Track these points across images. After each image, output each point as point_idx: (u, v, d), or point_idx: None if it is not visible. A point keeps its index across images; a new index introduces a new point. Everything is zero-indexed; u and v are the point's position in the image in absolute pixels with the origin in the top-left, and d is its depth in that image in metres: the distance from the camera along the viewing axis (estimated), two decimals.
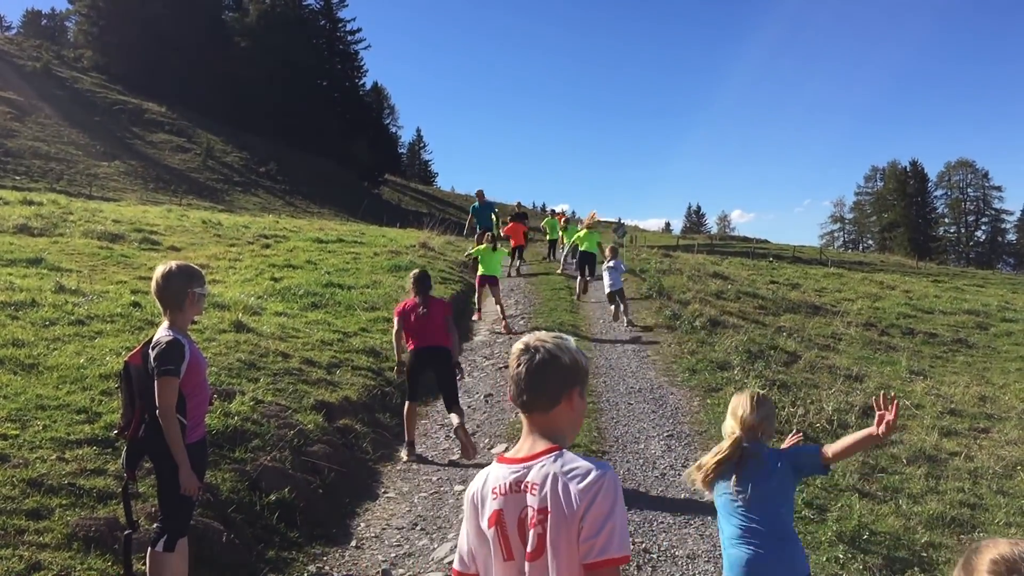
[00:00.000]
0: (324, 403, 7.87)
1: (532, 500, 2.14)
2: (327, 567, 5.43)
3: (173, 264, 4.22)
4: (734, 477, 3.63)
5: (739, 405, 3.79)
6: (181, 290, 4.15)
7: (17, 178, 34.69)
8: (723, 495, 3.68)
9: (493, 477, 2.26)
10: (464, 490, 6.68)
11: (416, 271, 8.22)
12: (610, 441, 8.03)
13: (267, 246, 18.68)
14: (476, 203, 20.76)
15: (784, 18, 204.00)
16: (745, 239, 75.04)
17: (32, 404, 6.02)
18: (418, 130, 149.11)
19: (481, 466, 7.22)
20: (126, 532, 4.21)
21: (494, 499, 2.22)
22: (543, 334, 2.30)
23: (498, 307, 13.91)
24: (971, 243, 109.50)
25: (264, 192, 50.96)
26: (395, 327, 7.94)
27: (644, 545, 5.80)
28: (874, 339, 15.72)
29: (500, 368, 10.91)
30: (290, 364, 8.69)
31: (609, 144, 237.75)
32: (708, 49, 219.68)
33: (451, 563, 5.37)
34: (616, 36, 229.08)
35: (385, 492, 6.91)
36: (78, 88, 54.13)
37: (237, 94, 64.04)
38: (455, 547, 5.51)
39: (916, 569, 5.76)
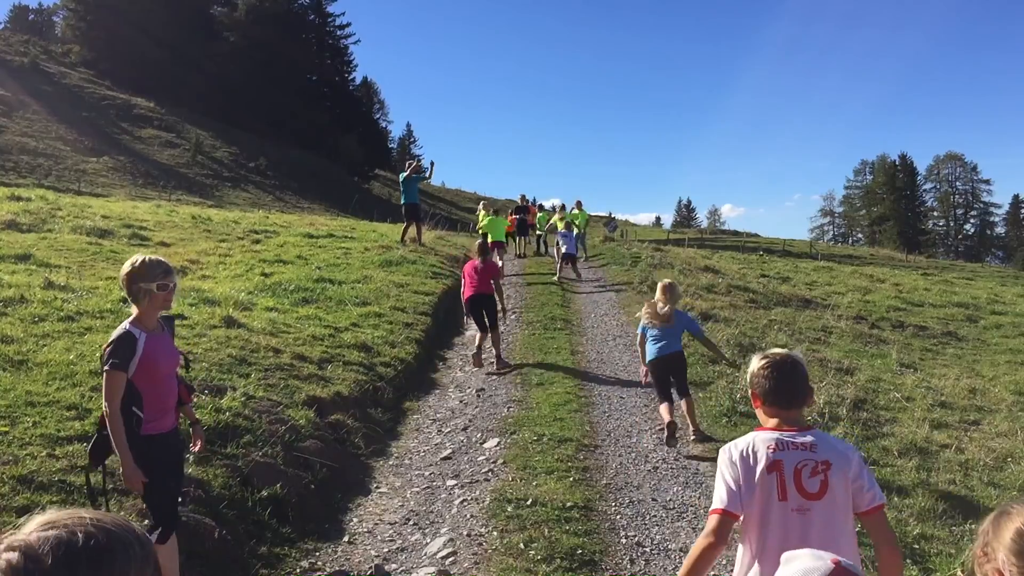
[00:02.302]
0: (315, 398, 7.84)
1: (812, 455, 2.82)
2: (319, 562, 5.42)
3: (136, 260, 4.18)
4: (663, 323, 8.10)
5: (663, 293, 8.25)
6: (133, 287, 4.14)
7: (5, 174, 34.49)
8: (652, 328, 8.13)
9: (761, 440, 2.89)
10: (456, 484, 6.70)
11: (480, 240, 12.82)
12: (602, 435, 8.03)
13: (257, 241, 18.62)
14: (404, 173, 19.48)
15: (775, 15, 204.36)
16: (735, 233, 75.28)
17: (21, 401, 5.98)
18: (408, 125, 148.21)
19: (470, 447, 7.27)
20: None
21: (771, 452, 2.83)
22: (781, 350, 3.10)
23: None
24: (960, 236, 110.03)
25: (254, 187, 50.79)
26: (463, 280, 11.53)
27: (637, 539, 5.80)
28: (864, 332, 15.78)
29: (492, 363, 10.89)
30: (281, 359, 8.66)
31: (600, 138, 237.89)
32: (698, 47, 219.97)
33: (443, 558, 5.38)
34: (606, 30, 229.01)
35: (377, 487, 6.89)
36: (66, 83, 53.84)
37: (226, 89, 63.76)
38: (448, 542, 5.55)
39: (908, 561, 5.77)
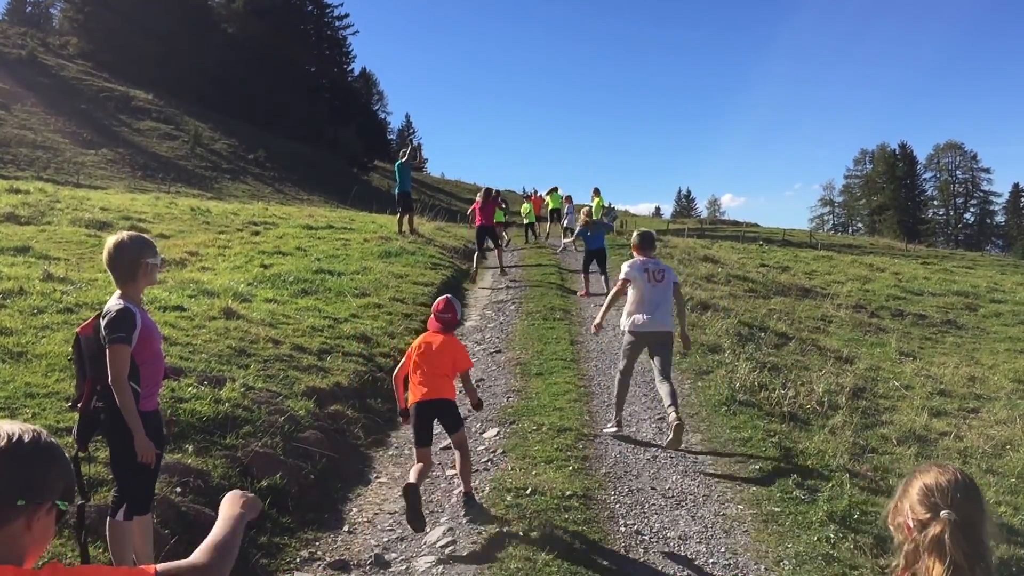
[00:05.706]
0: (315, 389, 7.85)
1: (660, 266, 7.59)
2: (319, 552, 5.43)
3: (125, 234, 4.17)
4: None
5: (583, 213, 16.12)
6: (133, 261, 4.10)
7: (4, 167, 34.46)
8: (587, 231, 15.01)
9: (639, 259, 7.64)
10: (456, 474, 6.71)
11: (484, 189, 17.42)
12: (602, 424, 8.04)
13: (256, 233, 18.61)
14: (400, 160, 19.38)
15: (773, 8, 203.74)
16: (735, 223, 75.13)
17: (21, 392, 5.99)
18: (407, 115, 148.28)
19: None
20: (79, 503, 4.19)
21: (644, 262, 7.59)
22: (645, 229, 8.36)
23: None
24: (960, 225, 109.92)
25: (253, 179, 50.74)
26: (471, 213, 18.32)
27: (636, 527, 5.82)
28: (864, 321, 15.79)
29: (491, 353, 10.90)
30: (280, 350, 8.66)
31: (599, 128, 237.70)
32: (697, 39, 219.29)
33: (442, 547, 5.40)
34: (605, 20, 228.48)
35: (377, 477, 6.90)
36: (64, 76, 53.72)
37: (224, 81, 63.66)
38: (447, 531, 5.56)
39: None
